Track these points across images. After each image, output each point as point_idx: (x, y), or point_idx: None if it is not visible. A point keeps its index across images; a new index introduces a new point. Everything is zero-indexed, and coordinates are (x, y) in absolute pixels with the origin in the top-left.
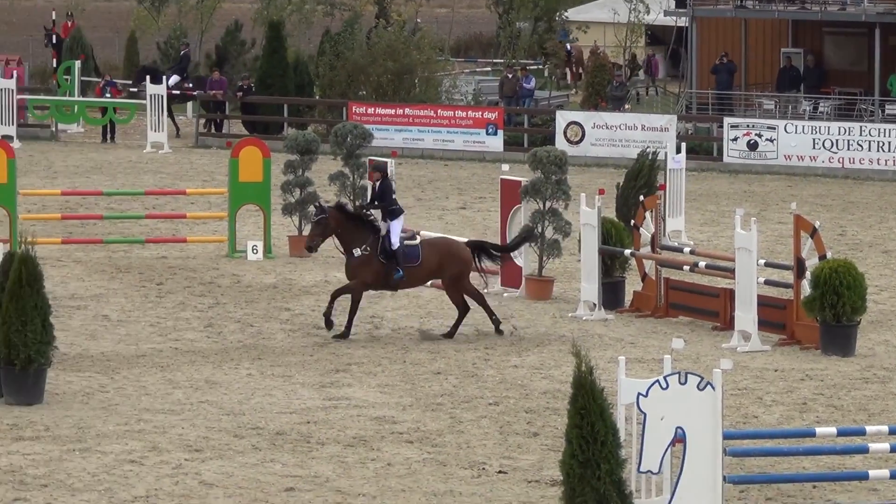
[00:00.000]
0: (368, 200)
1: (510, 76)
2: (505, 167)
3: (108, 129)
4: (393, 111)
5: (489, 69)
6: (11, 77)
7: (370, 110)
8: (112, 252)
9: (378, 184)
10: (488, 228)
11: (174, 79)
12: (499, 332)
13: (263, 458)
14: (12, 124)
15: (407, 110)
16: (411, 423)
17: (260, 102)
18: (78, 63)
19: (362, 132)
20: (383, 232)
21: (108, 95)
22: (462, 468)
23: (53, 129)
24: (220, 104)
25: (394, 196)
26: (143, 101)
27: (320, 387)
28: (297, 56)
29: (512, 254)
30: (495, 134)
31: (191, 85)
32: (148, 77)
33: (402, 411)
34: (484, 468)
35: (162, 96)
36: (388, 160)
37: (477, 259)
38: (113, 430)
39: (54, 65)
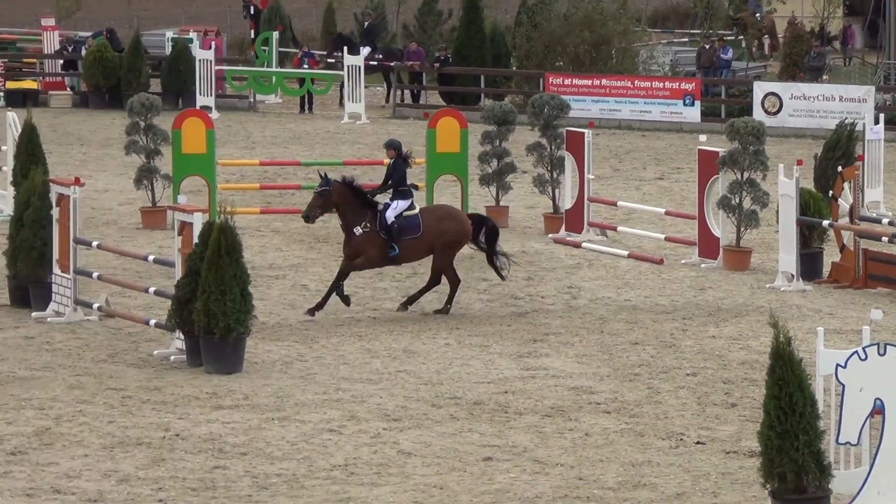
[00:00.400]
0: (383, 181)
1: (707, 47)
2: (702, 138)
3: (306, 100)
4: (590, 82)
5: (686, 40)
6: (210, 48)
7: (567, 81)
8: None
9: (392, 162)
10: (686, 199)
11: (365, 50)
12: (443, 311)
13: (461, 428)
14: (211, 95)
15: (604, 81)
16: (609, 393)
17: (457, 73)
18: (276, 34)
19: (559, 103)
20: (380, 207)
21: (305, 66)
22: (660, 439)
23: (251, 99)
24: (418, 75)
25: (405, 178)
26: (341, 72)
27: (518, 357)
28: (493, 27)
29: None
30: (693, 105)
31: (380, 56)
32: (345, 48)
33: (599, 381)
34: (682, 439)
35: (359, 67)
36: (586, 128)
37: (475, 234)
38: (311, 399)
39: (252, 36)
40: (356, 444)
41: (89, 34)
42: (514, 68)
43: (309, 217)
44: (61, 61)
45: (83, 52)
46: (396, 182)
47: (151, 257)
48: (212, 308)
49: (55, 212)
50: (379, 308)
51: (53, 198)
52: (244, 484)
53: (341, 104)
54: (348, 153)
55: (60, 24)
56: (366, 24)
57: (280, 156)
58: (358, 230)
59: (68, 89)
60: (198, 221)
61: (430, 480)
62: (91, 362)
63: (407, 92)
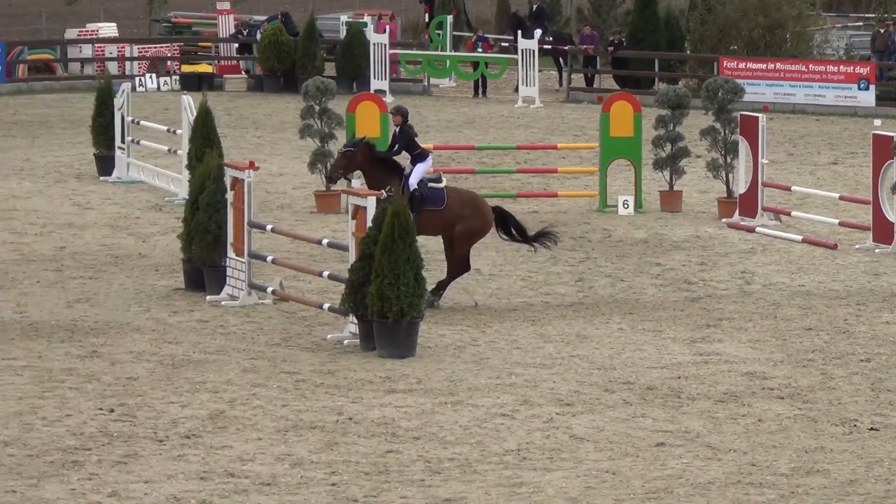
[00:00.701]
0: (388, 147)
1: (882, 31)
2: (877, 122)
3: (480, 84)
4: (764, 66)
5: (861, 24)
6: (385, 32)
7: (741, 65)
8: None
9: (398, 129)
10: (860, 184)
11: (537, 33)
12: (431, 299)
13: (634, 413)
14: (385, 79)
15: (778, 65)
16: (782, 378)
17: (631, 57)
18: (450, 18)
19: (733, 87)
20: (407, 171)
21: (479, 50)
22: (833, 425)
23: (426, 83)
24: (592, 59)
25: (414, 142)
26: (515, 56)
27: (691, 342)
28: (668, 11)
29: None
30: (867, 89)
31: (551, 38)
32: (519, 32)
33: (772, 367)
34: (855, 425)
35: (533, 51)
36: (760, 112)
37: (496, 226)
38: (484, 384)
39: (427, 20)
40: (529, 428)
41: (264, 18)
42: (687, 52)
43: (332, 178)
44: (236, 45)
45: (258, 35)
46: (405, 147)
47: (325, 241)
48: (385, 292)
49: (230, 195)
50: (552, 293)
51: (228, 181)
52: (417, 468)
53: (516, 89)
54: (522, 137)
55: (236, 8)
56: (534, 7)
57: (454, 140)
58: (383, 193)
59: (243, 73)
60: (371, 205)
61: (602, 465)
62: (265, 346)
63: (580, 76)
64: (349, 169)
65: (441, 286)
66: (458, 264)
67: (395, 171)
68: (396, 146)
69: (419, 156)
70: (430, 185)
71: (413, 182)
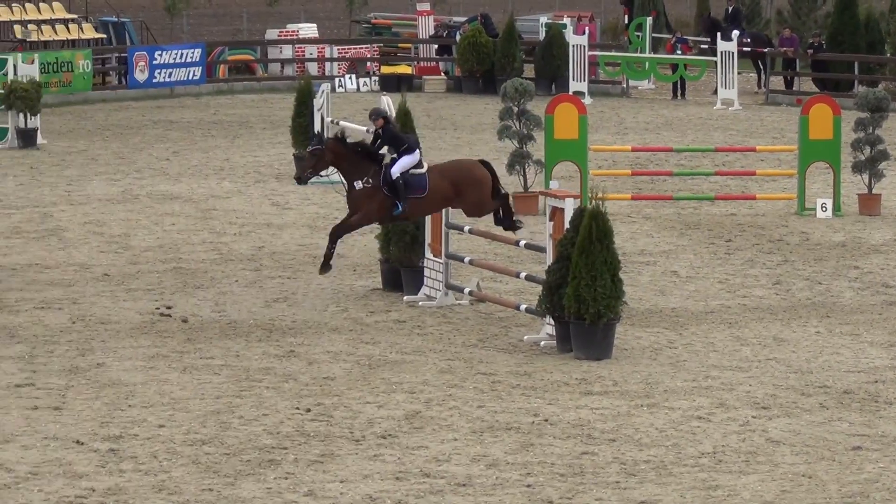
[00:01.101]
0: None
1: None
2: None
3: (679, 86)
4: None
5: None
6: (584, 34)
7: None
8: (681, 209)
9: (381, 130)
10: None
11: (735, 34)
12: (514, 226)
13: (830, 417)
14: (584, 80)
15: None
16: None
17: (831, 60)
18: (649, 19)
19: None
20: (386, 160)
21: (678, 52)
22: None
23: (624, 85)
24: (791, 61)
25: (405, 135)
26: (714, 58)
27: (888, 346)
28: (868, 13)
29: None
30: None
31: (748, 40)
32: (718, 34)
33: None
34: None
35: (732, 53)
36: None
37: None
38: (680, 386)
39: (626, 21)
40: (724, 431)
41: (464, 19)
42: (888, 55)
43: (301, 179)
44: (436, 46)
45: (457, 37)
46: (390, 143)
47: (522, 242)
48: (582, 294)
49: None
50: (749, 295)
51: None
52: (612, 470)
53: (715, 91)
54: (720, 140)
55: (436, 10)
56: (730, 8)
57: (652, 142)
58: (358, 184)
59: (442, 74)
60: (569, 207)
61: (798, 469)
62: (462, 347)
63: (779, 78)
64: (318, 167)
65: (508, 221)
66: (495, 205)
67: (371, 161)
68: (378, 143)
69: (407, 149)
70: (411, 171)
71: (395, 171)
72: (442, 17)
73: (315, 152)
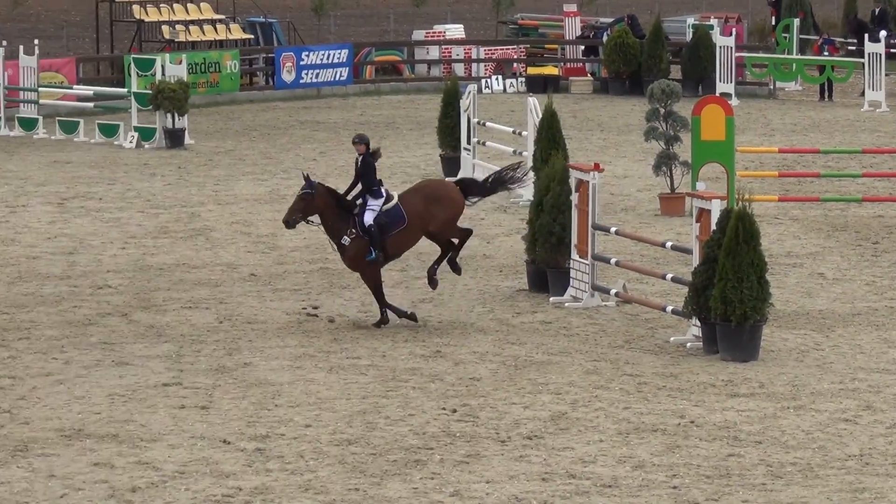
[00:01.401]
0: (353, 179)
1: None
2: None
3: (826, 88)
4: None
5: None
6: (731, 35)
7: None
8: (828, 210)
9: (361, 158)
10: None
11: (882, 35)
12: (454, 267)
13: None
14: (731, 82)
15: None
16: None
17: None
18: (796, 21)
19: None
20: (356, 211)
21: (825, 53)
22: None
23: (771, 86)
24: None
25: (377, 175)
26: (861, 60)
27: None
28: None
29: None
30: None
31: (894, 41)
32: (866, 35)
33: None
34: None
35: (880, 55)
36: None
37: (466, 195)
38: (827, 389)
39: (773, 22)
40: (872, 434)
41: (611, 20)
42: None
43: (289, 223)
44: (582, 47)
45: (604, 38)
46: (363, 176)
47: (669, 244)
48: (728, 295)
49: (574, 197)
50: None
51: (573, 183)
52: (758, 472)
53: (862, 93)
54: (867, 141)
55: (582, 11)
56: (877, 10)
57: (799, 143)
58: (346, 239)
59: (589, 75)
60: (716, 208)
61: None
62: (608, 348)
63: None
64: (308, 212)
65: (452, 261)
66: (458, 236)
67: (349, 212)
68: (361, 178)
69: (374, 192)
70: (385, 207)
71: (368, 219)
72: (588, 18)
73: (305, 196)
